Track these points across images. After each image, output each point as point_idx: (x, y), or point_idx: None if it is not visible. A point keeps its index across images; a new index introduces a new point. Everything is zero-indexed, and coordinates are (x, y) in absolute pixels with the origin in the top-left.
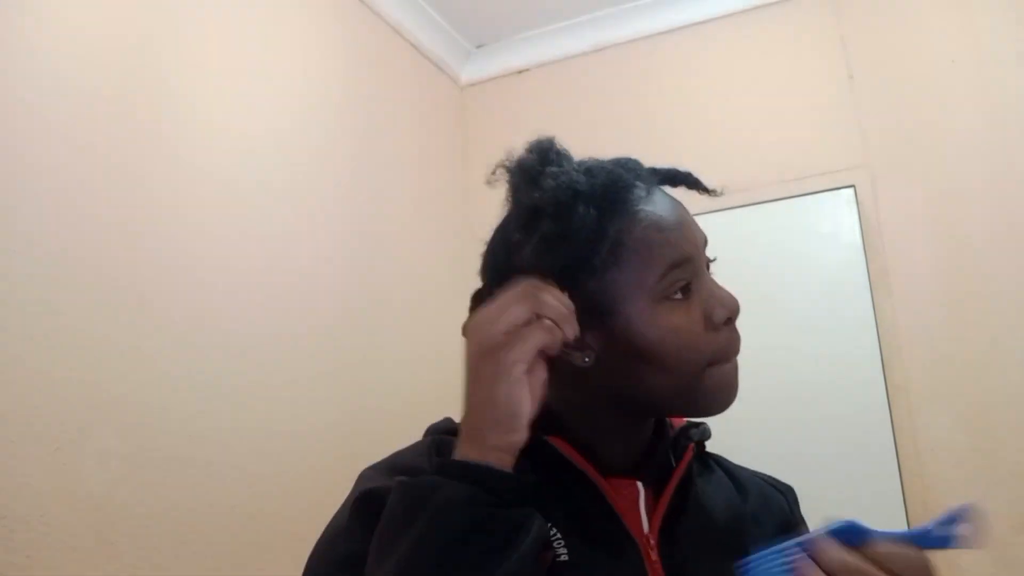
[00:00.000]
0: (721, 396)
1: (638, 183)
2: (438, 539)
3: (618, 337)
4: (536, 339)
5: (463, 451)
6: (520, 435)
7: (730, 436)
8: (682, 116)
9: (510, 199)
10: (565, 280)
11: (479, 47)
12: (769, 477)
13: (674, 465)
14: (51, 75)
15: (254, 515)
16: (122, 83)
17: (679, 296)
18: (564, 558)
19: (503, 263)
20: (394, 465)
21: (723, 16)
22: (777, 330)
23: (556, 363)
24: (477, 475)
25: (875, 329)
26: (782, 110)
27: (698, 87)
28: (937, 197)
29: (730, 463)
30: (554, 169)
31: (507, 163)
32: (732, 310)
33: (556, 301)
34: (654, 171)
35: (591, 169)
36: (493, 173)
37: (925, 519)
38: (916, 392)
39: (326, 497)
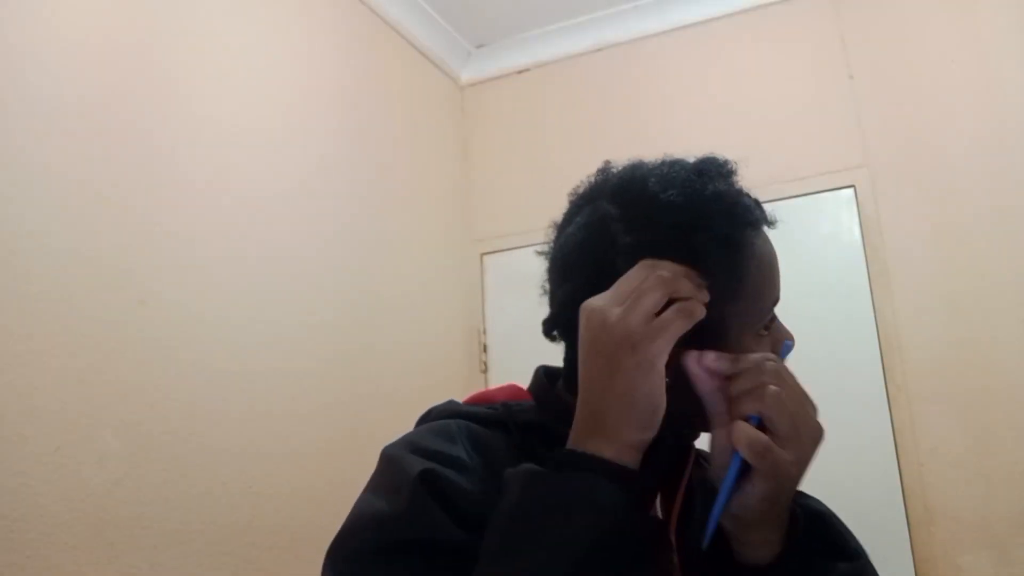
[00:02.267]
0: None
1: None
2: (596, 541)
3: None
4: (678, 327)
5: (594, 444)
6: (654, 432)
7: None
8: (682, 116)
9: (635, 196)
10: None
11: (479, 47)
12: None
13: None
14: (51, 72)
15: (253, 515)
16: (120, 83)
17: (765, 332)
18: None
19: (604, 261)
20: (418, 448)
21: (723, 16)
22: None
23: None
24: (627, 478)
25: (875, 329)
26: (782, 110)
27: (698, 87)
28: (937, 197)
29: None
30: (721, 187)
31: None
32: (791, 346)
33: (689, 281)
34: None
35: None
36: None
37: (925, 519)
38: (916, 392)
39: (326, 496)
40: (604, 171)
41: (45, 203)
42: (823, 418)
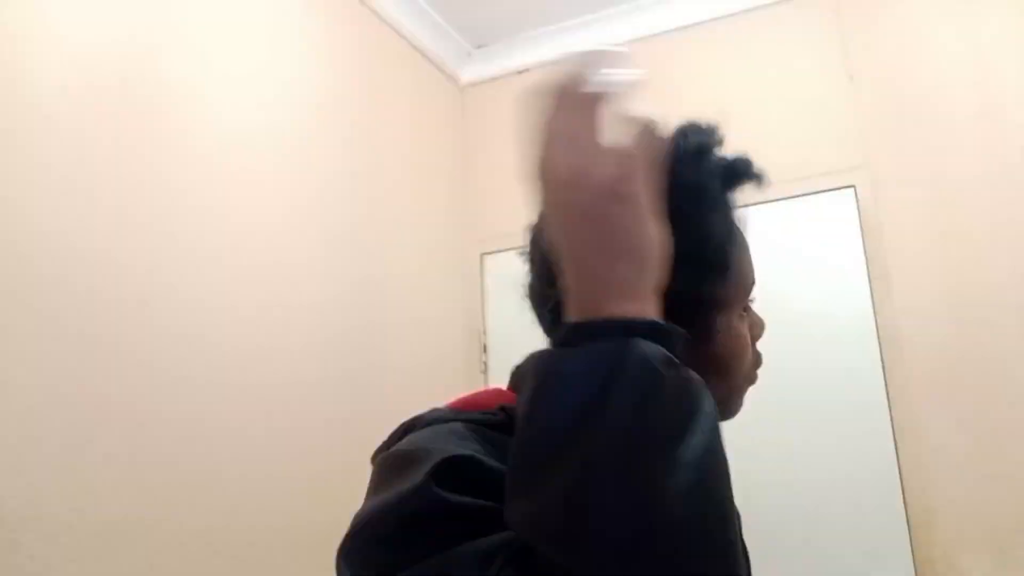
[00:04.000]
0: (739, 407)
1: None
2: (652, 403)
3: (702, 344)
4: (652, 147)
5: (614, 307)
6: (663, 270)
7: (730, 436)
8: (682, 116)
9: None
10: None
11: (479, 47)
12: None
13: None
14: (54, 73)
15: (254, 517)
16: (122, 85)
17: (745, 313)
18: None
19: None
20: (427, 446)
21: (723, 16)
22: (777, 330)
23: None
24: (660, 331)
25: (875, 329)
26: (782, 110)
27: (698, 87)
28: (937, 197)
29: None
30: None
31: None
32: (764, 330)
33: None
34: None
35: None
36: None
37: (925, 519)
38: (916, 392)
39: (327, 499)
40: None
41: (45, 203)
42: (822, 417)
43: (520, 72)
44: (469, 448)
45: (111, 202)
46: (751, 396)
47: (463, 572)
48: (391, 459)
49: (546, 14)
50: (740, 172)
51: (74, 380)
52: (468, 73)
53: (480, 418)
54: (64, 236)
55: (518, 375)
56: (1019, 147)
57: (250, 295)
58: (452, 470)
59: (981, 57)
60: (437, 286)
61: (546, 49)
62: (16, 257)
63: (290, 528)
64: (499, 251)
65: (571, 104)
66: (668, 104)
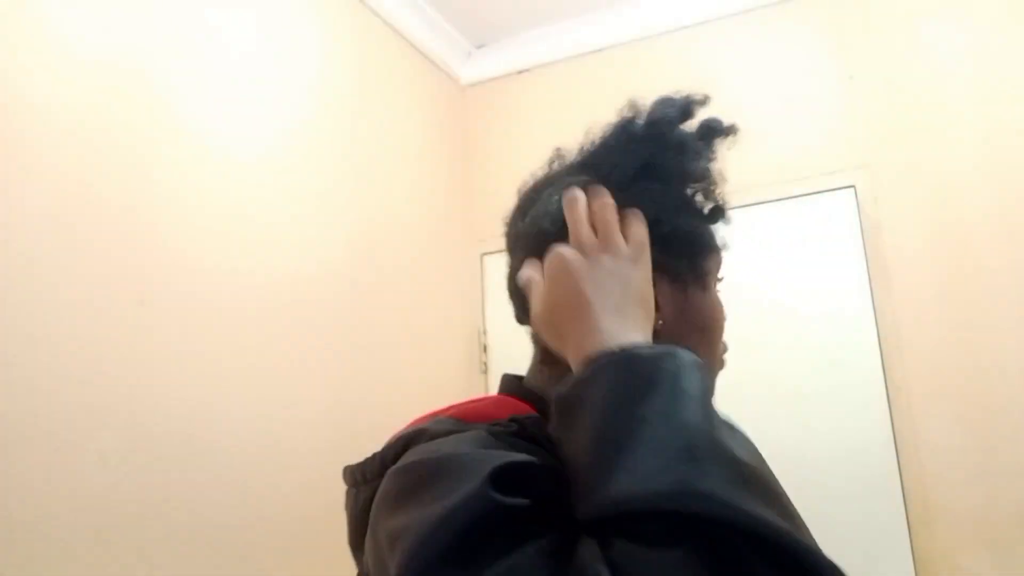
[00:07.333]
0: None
1: None
2: (695, 397)
3: (689, 306)
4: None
5: (623, 337)
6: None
7: None
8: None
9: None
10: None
11: (479, 47)
12: None
13: None
14: (55, 76)
15: (253, 515)
16: (121, 83)
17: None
18: None
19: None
20: (463, 448)
21: (723, 16)
22: (777, 330)
23: None
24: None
25: (875, 329)
26: (782, 110)
27: (698, 87)
28: (937, 197)
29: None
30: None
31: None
32: None
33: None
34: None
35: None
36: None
37: (925, 519)
38: (916, 392)
39: (326, 496)
40: (558, 158)
41: (45, 203)
42: (822, 417)
43: (520, 72)
44: (515, 454)
45: (110, 202)
46: (752, 395)
47: (534, 573)
48: (418, 468)
49: (546, 14)
50: (715, 128)
51: (70, 378)
52: (468, 73)
53: (497, 430)
54: (62, 234)
55: (564, 404)
56: (1019, 146)
57: (249, 294)
58: (509, 474)
59: (981, 56)
60: (437, 286)
61: (546, 49)
62: (14, 256)
63: (291, 527)
64: (499, 251)
65: (597, 206)
66: None
